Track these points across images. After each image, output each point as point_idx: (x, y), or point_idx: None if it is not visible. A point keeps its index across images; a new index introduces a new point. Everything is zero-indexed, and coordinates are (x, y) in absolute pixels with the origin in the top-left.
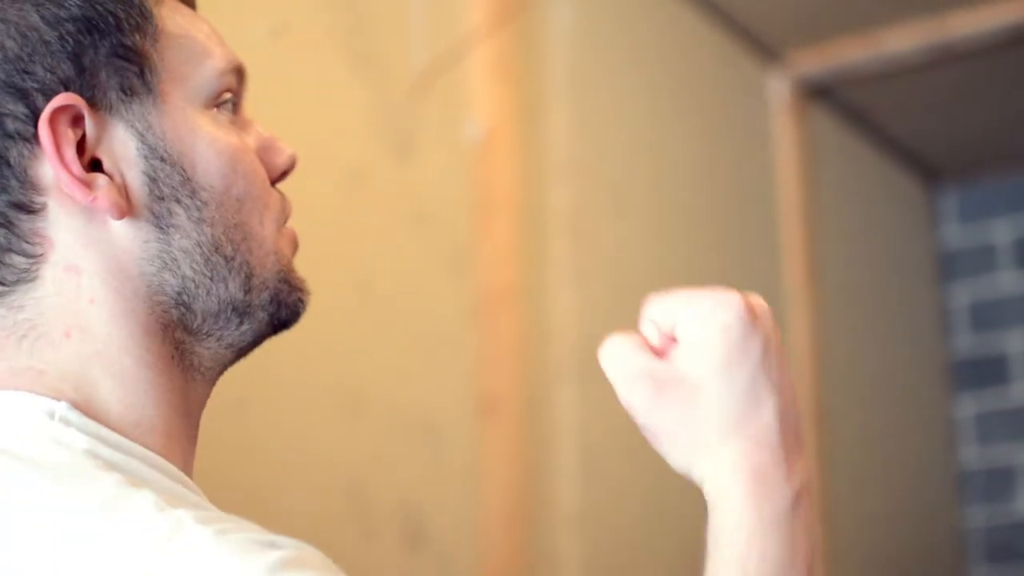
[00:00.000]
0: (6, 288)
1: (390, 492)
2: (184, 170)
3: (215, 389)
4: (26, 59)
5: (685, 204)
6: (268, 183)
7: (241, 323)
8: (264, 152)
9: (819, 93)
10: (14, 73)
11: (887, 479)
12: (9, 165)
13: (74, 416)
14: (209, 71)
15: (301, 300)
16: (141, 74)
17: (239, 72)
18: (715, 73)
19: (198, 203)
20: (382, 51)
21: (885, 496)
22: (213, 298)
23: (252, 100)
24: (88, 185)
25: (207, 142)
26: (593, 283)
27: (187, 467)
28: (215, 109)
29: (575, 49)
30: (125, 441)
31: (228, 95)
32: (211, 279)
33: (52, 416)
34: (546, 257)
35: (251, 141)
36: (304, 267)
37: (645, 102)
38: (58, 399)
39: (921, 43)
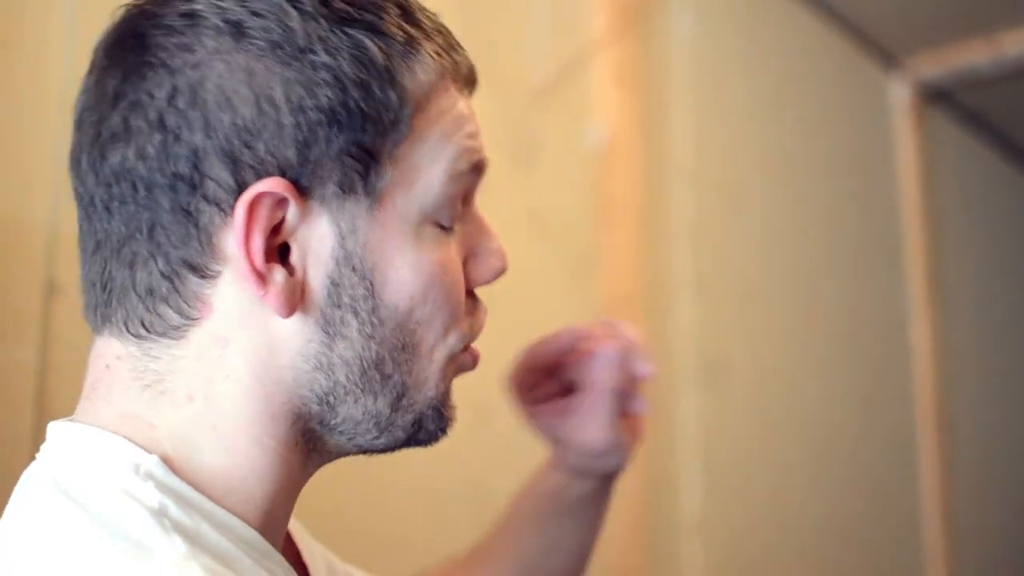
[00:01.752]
0: (149, 334)
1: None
2: (372, 285)
3: None
4: (253, 133)
5: (806, 209)
6: (460, 305)
7: (379, 436)
8: (472, 259)
9: (939, 97)
10: (235, 141)
11: (1010, 484)
12: (197, 227)
13: (159, 471)
14: (440, 176)
15: (443, 430)
16: (365, 176)
17: (477, 170)
18: (835, 78)
19: (375, 320)
20: (504, 60)
21: (1008, 501)
22: (359, 408)
23: None
24: (263, 277)
25: (408, 259)
26: (715, 290)
27: (277, 536)
28: (437, 220)
29: (696, 56)
30: (207, 504)
31: (457, 205)
32: (362, 391)
33: (137, 470)
34: (668, 264)
35: (456, 250)
36: None
37: (766, 108)
38: (152, 452)
39: None
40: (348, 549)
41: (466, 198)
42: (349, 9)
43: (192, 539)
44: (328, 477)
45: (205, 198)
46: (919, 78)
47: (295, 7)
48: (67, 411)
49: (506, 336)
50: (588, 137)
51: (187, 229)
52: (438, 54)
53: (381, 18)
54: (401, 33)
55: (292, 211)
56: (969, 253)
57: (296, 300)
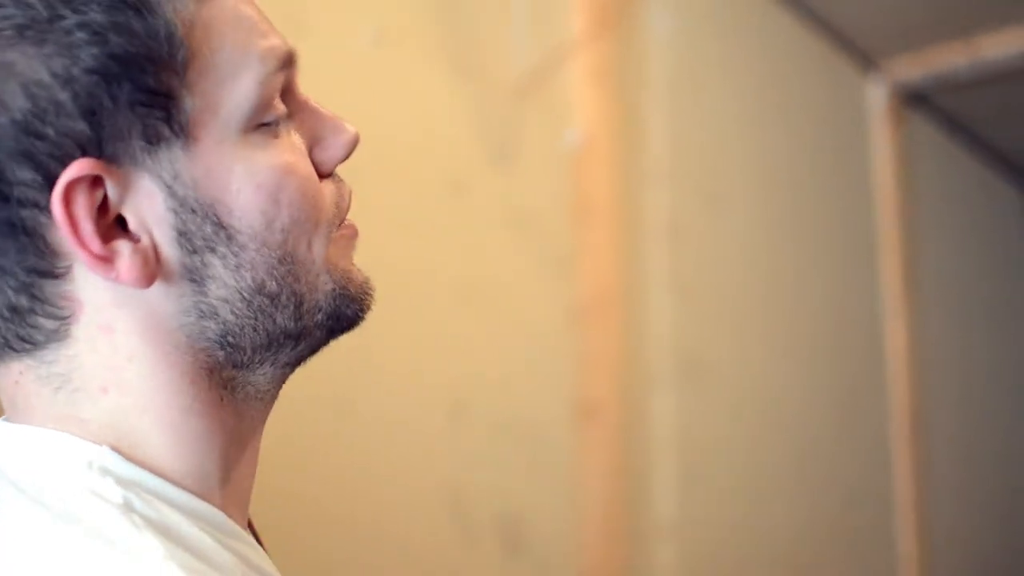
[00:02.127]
0: (33, 346)
1: (490, 498)
2: (218, 217)
3: (318, 390)
4: (36, 122)
5: (783, 209)
6: (319, 193)
7: (296, 345)
8: (320, 143)
9: (917, 99)
10: (23, 138)
11: (985, 487)
12: (27, 233)
13: (113, 464)
14: (248, 84)
15: (362, 308)
16: (167, 118)
17: (287, 64)
18: (813, 80)
19: (234, 249)
20: (483, 59)
21: (983, 504)
22: (261, 334)
23: (355, 107)
24: (108, 260)
25: (245, 177)
26: (691, 288)
27: (243, 505)
28: (258, 129)
29: (674, 56)
30: (168, 489)
31: (272, 112)
32: (256, 319)
33: (91, 466)
34: (645, 262)
35: (300, 141)
36: (405, 272)
37: (743, 108)
38: (100, 446)
39: (1019, 49)
40: (325, 549)
41: (286, 93)
42: None
43: (162, 532)
44: (303, 477)
45: (20, 204)
46: (897, 80)
47: None
48: None
49: (484, 333)
50: (566, 136)
51: (18, 240)
52: None
53: None
54: None
55: (110, 185)
56: (945, 255)
57: (152, 266)
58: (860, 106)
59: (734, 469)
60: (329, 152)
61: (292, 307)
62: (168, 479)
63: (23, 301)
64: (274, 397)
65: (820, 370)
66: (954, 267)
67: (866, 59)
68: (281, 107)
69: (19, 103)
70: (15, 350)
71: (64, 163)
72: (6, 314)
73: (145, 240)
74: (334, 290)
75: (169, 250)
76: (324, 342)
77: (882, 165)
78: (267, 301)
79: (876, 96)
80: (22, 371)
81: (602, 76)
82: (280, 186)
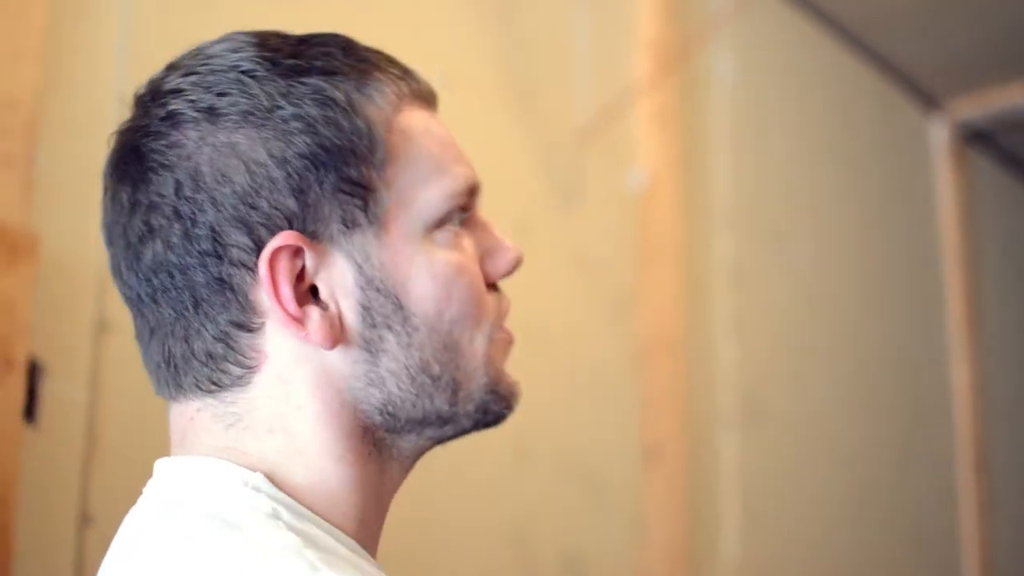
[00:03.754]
0: (219, 388)
1: (553, 539)
2: (398, 299)
3: None
4: (253, 195)
5: (846, 251)
6: (484, 296)
7: (444, 426)
8: (487, 256)
9: (979, 138)
10: (241, 207)
11: None
12: (233, 290)
13: (265, 486)
14: (437, 196)
15: (508, 407)
16: (364, 207)
17: (472, 190)
18: (875, 120)
19: (408, 329)
20: (548, 103)
21: None
22: (418, 411)
23: None
24: (300, 321)
25: (424, 268)
26: (754, 331)
27: (373, 545)
28: (440, 229)
29: (736, 98)
30: (311, 514)
31: (457, 211)
32: (416, 396)
33: (246, 484)
34: (708, 305)
35: (472, 250)
36: None
37: (806, 150)
38: (254, 472)
39: None
40: None
41: (467, 208)
42: (298, 62)
43: (306, 537)
44: None
45: (232, 263)
46: (959, 120)
47: (251, 76)
48: (116, 446)
49: (549, 374)
50: (630, 179)
51: (224, 295)
52: (391, 79)
53: (328, 60)
54: (350, 69)
55: (309, 256)
56: (1009, 294)
57: (336, 332)
58: (923, 146)
59: (798, 509)
60: (496, 266)
61: (450, 392)
62: (309, 508)
63: (219, 349)
64: (412, 464)
65: (883, 410)
66: (1018, 306)
67: (928, 99)
68: (460, 216)
69: (240, 178)
70: (202, 391)
71: (273, 232)
72: (202, 358)
73: (333, 308)
74: (487, 384)
75: (352, 321)
76: (467, 431)
77: (945, 205)
78: (429, 381)
79: (938, 136)
80: (200, 408)
81: (665, 119)
82: (453, 281)
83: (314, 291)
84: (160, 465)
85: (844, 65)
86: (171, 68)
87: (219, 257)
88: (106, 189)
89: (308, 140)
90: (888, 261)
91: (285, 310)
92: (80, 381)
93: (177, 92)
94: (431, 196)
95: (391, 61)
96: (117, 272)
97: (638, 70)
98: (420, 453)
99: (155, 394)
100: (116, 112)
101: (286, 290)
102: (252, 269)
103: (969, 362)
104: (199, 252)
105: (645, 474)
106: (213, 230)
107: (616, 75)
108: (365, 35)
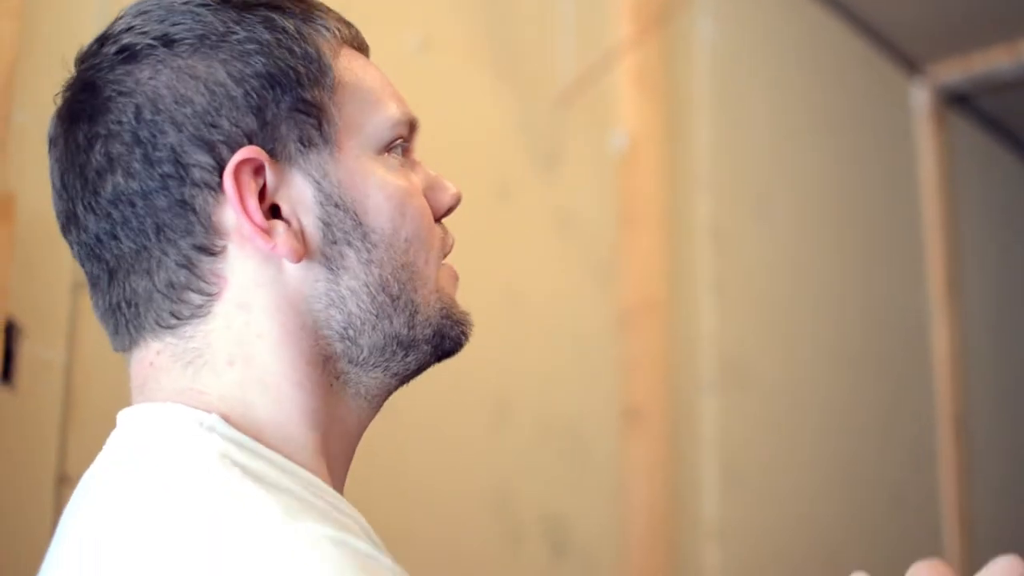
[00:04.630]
0: (179, 321)
1: (535, 502)
2: (356, 215)
3: None
4: (213, 113)
5: (827, 213)
6: (433, 222)
7: (406, 355)
8: (430, 191)
9: (960, 101)
10: (202, 126)
11: None
12: (195, 211)
13: (220, 425)
14: (383, 121)
15: (464, 333)
16: (319, 126)
17: (411, 123)
18: (856, 83)
19: (368, 246)
20: (529, 65)
21: None
22: (379, 333)
23: None
24: (268, 232)
25: (378, 187)
26: (736, 294)
27: (337, 482)
28: (387, 154)
29: (718, 60)
30: (265, 450)
31: (399, 142)
32: (376, 316)
33: (201, 425)
34: (690, 267)
35: (419, 182)
36: None
37: (788, 112)
38: (210, 413)
39: None
40: None
41: (407, 148)
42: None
43: (257, 479)
44: (350, 476)
45: (194, 184)
46: (940, 83)
47: (203, 6)
48: (94, 407)
49: (529, 337)
50: (611, 141)
51: (187, 218)
52: (332, 20)
53: (266, 15)
54: (295, 6)
55: (269, 174)
56: (988, 256)
57: (301, 245)
58: (904, 109)
59: (778, 472)
60: (439, 200)
61: (408, 314)
62: (268, 444)
63: (181, 276)
64: (379, 405)
65: (864, 372)
66: (997, 267)
67: (909, 62)
68: (404, 144)
69: (200, 98)
70: (161, 327)
71: (234, 150)
72: (164, 290)
73: (295, 224)
74: (442, 309)
75: (314, 236)
76: (428, 361)
77: (926, 167)
78: (388, 300)
79: (919, 98)
80: (159, 350)
81: (647, 81)
82: (405, 202)
83: (275, 211)
84: (121, 416)
85: (825, 28)
86: (117, 18)
87: (181, 179)
88: (54, 142)
89: (264, 60)
90: (869, 224)
91: (253, 221)
92: (57, 342)
93: (128, 29)
94: (377, 122)
95: (329, 9)
96: (72, 219)
97: (619, 32)
98: (386, 393)
99: (112, 349)
100: None
101: (252, 202)
102: (215, 189)
103: (949, 325)
104: (160, 175)
105: (626, 437)
106: (174, 151)
107: (597, 37)
108: None
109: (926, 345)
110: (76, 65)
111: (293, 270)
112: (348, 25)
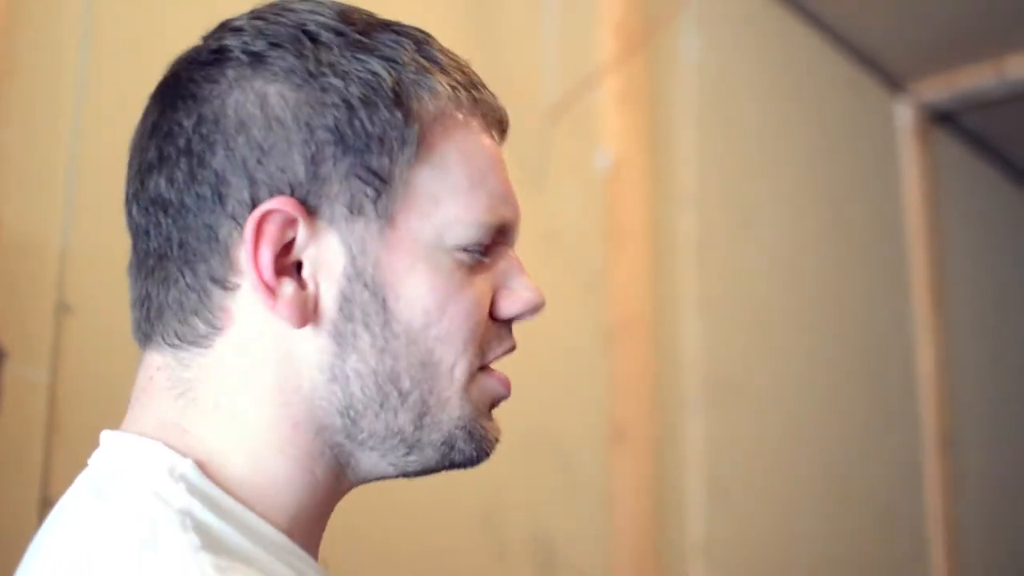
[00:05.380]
0: (181, 343)
1: (522, 517)
2: (385, 300)
3: None
4: (265, 150)
5: (812, 230)
6: (482, 324)
7: (408, 454)
8: (505, 289)
9: (944, 119)
10: (251, 160)
11: (1015, 504)
12: (218, 240)
13: (191, 474)
14: (466, 216)
15: (482, 450)
16: (376, 199)
17: (505, 231)
18: (841, 101)
19: (387, 335)
20: (514, 83)
21: (1014, 521)
22: (380, 423)
23: None
24: (271, 290)
25: (424, 277)
26: (721, 311)
27: (313, 540)
28: (459, 252)
29: (702, 78)
30: (236, 507)
31: (477, 246)
32: (380, 405)
33: (172, 472)
34: (675, 284)
35: (485, 283)
36: None
37: (772, 130)
38: (186, 456)
39: None
40: (357, 569)
41: (499, 239)
42: (365, 40)
43: (214, 539)
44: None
45: (226, 215)
46: (924, 100)
47: (311, 38)
48: (78, 428)
49: (515, 354)
50: (597, 159)
51: (209, 245)
52: (453, 86)
53: (396, 48)
54: (414, 63)
55: (302, 229)
56: (973, 273)
57: (308, 313)
58: (888, 126)
59: (764, 488)
60: (513, 303)
61: (416, 413)
62: (241, 501)
63: (191, 299)
64: (367, 481)
65: (849, 389)
66: (981, 284)
67: (893, 80)
68: (480, 248)
69: (258, 131)
70: (166, 343)
71: (272, 194)
72: (174, 307)
73: (311, 289)
74: (460, 418)
75: (328, 307)
76: (433, 468)
77: (910, 185)
78: (396, 394)
79: (904, 116)
80: (159, 367)
81: (631, 99)
82: (452, 298)
83: (298, 268)
84: (104, 437)
85: (810, 46)
86: (249, 13)
87: (215, 205)
88: (144, 113)
89: (339, 115)
90: (854, 241)
91: (259, 274)
92: (41, 364)
93: (237, 31)
94: (458, 214)
95: (463, 70)
96: (126, 197)
97: (605, 50)
98: (379, 477)
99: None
100: (77, 94)
101: (266, 255)
102: (241, 226)
103: (934, 342)
104: (197, 195)
105: (612, 453)
106: (217, 176)
107: (582, 55)
108: None
109: (911, 362)
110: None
111: (300, 332)
112: (480, 92)
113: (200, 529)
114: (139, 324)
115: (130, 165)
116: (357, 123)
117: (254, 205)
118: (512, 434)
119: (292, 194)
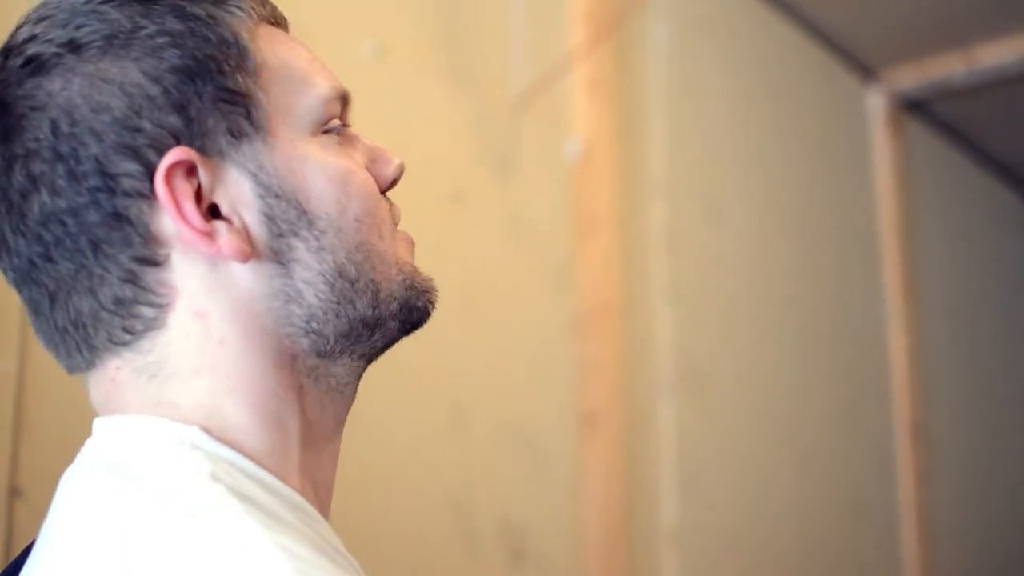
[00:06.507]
0: (134, 336)
1: (492, 505)
2: (299, 203)
3: None
4: (133, 117)
5: (783, 218)
6: (380, 197)
7: (371, 335)
8: (373, 165)
9: (915, 107)
10: (124, 132)
11: (987, 492)
12: (131, 223)
13: (203, 441)
14: (313, 100)
15: (430, 301)
16: (247, 115)
17: (344, 97)
18: (812, 89)
19: (316, 233)
20: (483, 71)
21: (985, 510)
22: (343, 320)
23: (357, 120)
24: (210, 235)
25: (318, 170)
26: (692, 297)
27: (323, 503)
28: (322, 135)
29: (672, 66)
30: (253, 468)
31: (334, 120)
32: (338, 303)
33: (182, 443)
34: (645, 272)
35: (359, 157)
36: None
37: (742, 118)
38: (190, 426)
39: (1016, 56)
40: None
41: (342, 117)
42: None
43: (248, 501)
44: None
45: (125, 194)
46: (895, 89)
47: (107, 3)
48: (46, 419)
49: (486, 343)
50: (566, 147)
51: (123, 230)
52: (237, 4)
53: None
54: None
55: (203, 173)
56: (945, 262)
57: (245, 247)
58: (859, 115)
59: (735, 477)
60: (382, 172)
61: (370, 294)
62: (251, 458)
63: (127, 291)
64: (352, 395)
65: (821, 378)
66: (954, 273)
67: (865, 68)
68: (339, 124)
69: (117, 102)
70: (115, 343)
71: (161, 152)
72: (111, 307)
73: (237, 222)
74: (405, 280)
75: (258, 232)
76: (396, 336)
77: (882, 173)
78: (347, 285)
79: (875, 104)
80: (119, 367)
81: (601, 87)
82: (347, 181)
83: (214, 210)
84: (97, 424)
85: (781, 33)
86: (18, 26)
87: (110, 190)
88: None
89: (178, 52)
90: (825, 229)
91: (192, 226)
92: (9, 354)
93: (31, 38)
94: (307, 102)
95: None
96: (1, 245)
97: (574, 38)
98: (357, 377)
99: (68, 373)
100: None
101: (189, 206)
102: (148, 197)
103: (907, 331)
104: (88, 189)
105: (583, 442)
106: (99, 162)
107: (551, 43)
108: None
109: (884, 351)
110: None
111: (243, 271)
112: (263, 2)
113: (236, 494)
114: (74, 352)
115: None
116: (197, 52)
117: (149, 170)
118: (482, 422)
119: (179, 143)
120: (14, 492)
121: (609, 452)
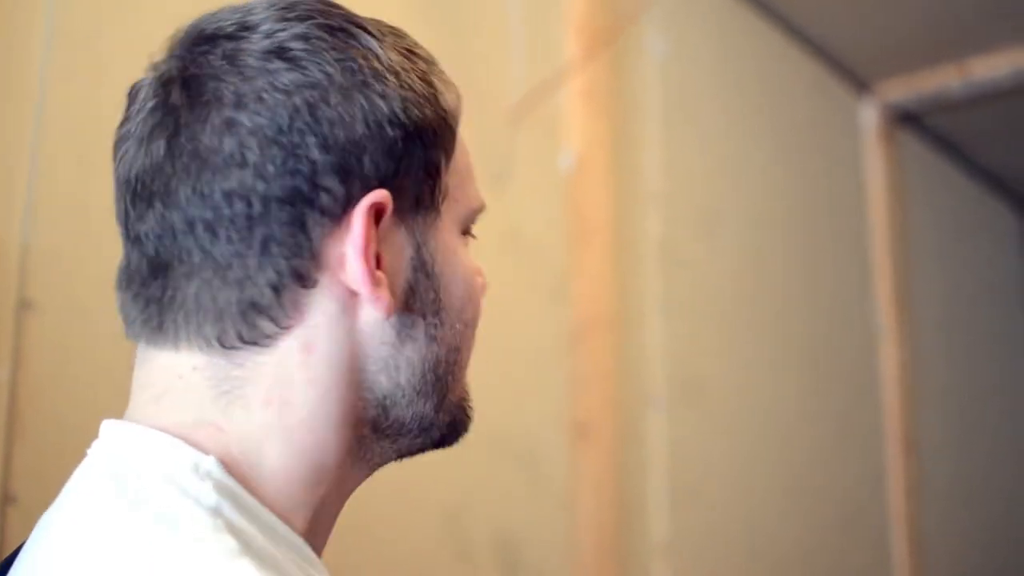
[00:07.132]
0: (242, 344)
1: (486, 517)
2: (438, 289)
3: None
4: (365, 146)
5: (777, 230)
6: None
7: (418, 437)
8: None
9: (909, 121)
10: (348, 155)
11: (977, 506)
12: (308, 236)
13: (217, 472)
14: (473, 201)
15: (466, 430)
16: (433, 191)
17: (480, 210)
18: (806, 102)
19: (437, 321)
20: (478, 83)
21: (978, 525)
22: (409, 411)
23: None
24: (377, 282)
25: (459, 265)
26: (685, 310)
27: (321, 540)
28: (465, 236)
29: (667, 78)
30: (259, 508)
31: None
32: (417, 393)
33: (196, 469)
34: (639, 284)
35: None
36: None
37: (737, 130)
38: (217, 454)
39: (1009, 70)
40: None
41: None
42: (408, 48)
43: (243, 540)
44: None
45: (320, 209)
46: (889, 102)
47: (373, 39)
48: (39, 426)
49: (479, 354)
50: (561, 159)
51: (297, 239)
52: (453, 88)
53: (419, 48)
54: (430, 63)
55: (386, 222)
56: (938, 274)
57: (393, 304)
58: (853, 127)
59: (728, 489)
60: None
61: (439, 397)
62: (264, 498)
63: (267, 298)
64: (371, 473)
65: (813, 390)
66: (946, 286)
67: (858, 81)
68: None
69: (359, 127)
70: (220, 344)
71: (367, 188)
72: (244, 307)
73: (387, 281)
74: (462, 399)
75: (398, 300)
76: (428, 447)
77: (875, 186)
78: (433, 380)
79: (868, 117)
80: (197, 367)
81: (596, 99)
82: (473, 284)
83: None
84: (107, 428)
85: (775, 46)
86: (246, 9)
87: (308, 199)
88: (159, 104)
89: (419, 114)
90: (818, 242)
91: (369, 267)
92: (2, 361)
93: (281, 29)
94: (469, 202)
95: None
96: (165, 193)
97: (568, 50)
98: (383, 464)
99: (126, 335)
100: (41, 90)
101: (373, 247)
102: (334, 219)
103: (899, 343)
104: (291, 187)
105: (576, 453)
106: (314, 169)
107: (546, 55)
108: None
109: (875, 362)
110: (193, 34)
111: (367, 327)
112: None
113: (231, 529)
114: (157, 323)
115: (171, 157)
116: (429, 116)
117: (348, 199)
118: (476, 433)
119: (382, 187)
120: (8, 499)
121: (602, 463)
